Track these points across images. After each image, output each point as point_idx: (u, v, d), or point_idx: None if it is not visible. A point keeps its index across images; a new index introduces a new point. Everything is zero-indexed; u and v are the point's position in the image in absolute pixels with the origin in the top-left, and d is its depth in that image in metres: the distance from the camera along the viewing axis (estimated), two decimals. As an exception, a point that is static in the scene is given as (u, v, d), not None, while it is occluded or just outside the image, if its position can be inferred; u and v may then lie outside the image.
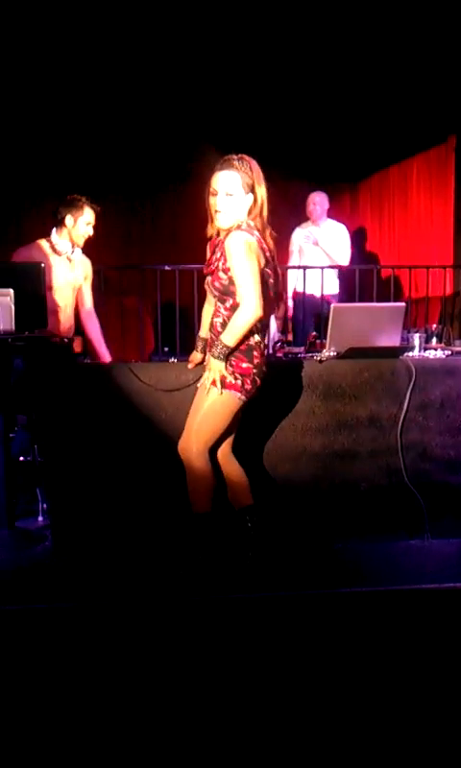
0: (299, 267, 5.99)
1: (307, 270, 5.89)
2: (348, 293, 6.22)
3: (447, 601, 3.22)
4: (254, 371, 3.20)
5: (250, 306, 3.07)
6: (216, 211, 3.14)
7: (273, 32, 5.57)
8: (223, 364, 3.13)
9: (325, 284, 5.89)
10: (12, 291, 3.73)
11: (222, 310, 3.20)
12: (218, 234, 3.21)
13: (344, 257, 6.17)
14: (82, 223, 4.34)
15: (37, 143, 7.25)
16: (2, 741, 2.26)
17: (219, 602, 3.15)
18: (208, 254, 3.25)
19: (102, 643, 2.86)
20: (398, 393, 3.88)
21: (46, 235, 4.39)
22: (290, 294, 6.15)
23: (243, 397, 3.20)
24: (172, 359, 4.18)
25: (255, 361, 3.20)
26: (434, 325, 4.88)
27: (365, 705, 2.43)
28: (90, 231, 4.37)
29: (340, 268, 6.09)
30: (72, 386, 3.77)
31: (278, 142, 7.20)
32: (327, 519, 3.87)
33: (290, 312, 6.16)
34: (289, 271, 6.02)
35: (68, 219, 4.32)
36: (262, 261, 3.13)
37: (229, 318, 3.16)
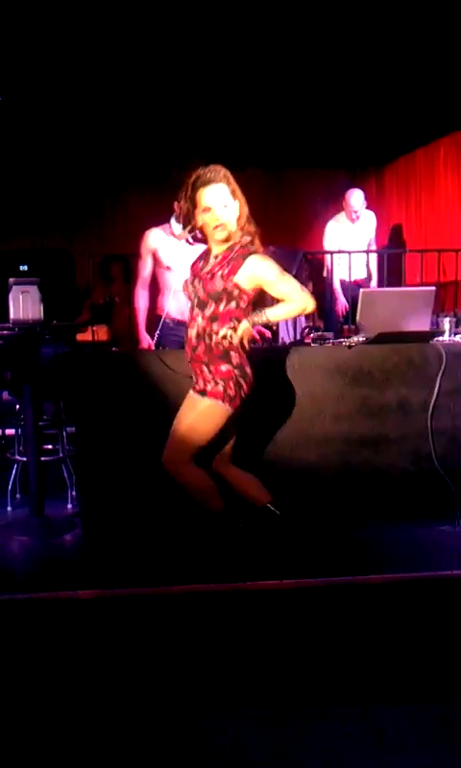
0: (327, 252, 5.96)
1: (337, 256, 5.86)
2: (378, 277, 6.18)
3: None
4: (236, 371, 3.11)
5: (305, 300, 3.10)
6: (216, 227, 3.09)
7: (296, 13, 5.51)
8: (248, 325, 3.10)
9: (355, 270, 5.86)
10: (38, 280, 3.74)
11: (199, 319, 3.13)
12: (208, 245, 3.21)
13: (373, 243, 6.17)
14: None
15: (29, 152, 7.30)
16: (28, 725, 2.28)
17: (248, 590, 3.14)
18: (201, 263, 3.21)
19: (127, 632, 2.87)
20: (428, 378, 3.84)
21: None
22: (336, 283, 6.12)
23: (227, 406, 3.10)
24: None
25: (234, 362, 3.11)
26: (464, 309, 4.83)
27: (397, 690, 2.42)
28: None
29: (368, 252, 6.05)
30: (100, 374, 3.78)
31: (303, 129, 7.15)
32: (357, 505, 3.85)
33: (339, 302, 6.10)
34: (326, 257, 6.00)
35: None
36: None
37: (204, 329, 3.11)
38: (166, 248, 4.49)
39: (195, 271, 3.22)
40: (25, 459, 4.08)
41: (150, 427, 3.74)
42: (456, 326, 4.22)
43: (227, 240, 3.12)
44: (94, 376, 3.79)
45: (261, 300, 3.23)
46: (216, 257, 3.15)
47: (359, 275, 6.06)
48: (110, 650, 2.71)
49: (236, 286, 3.08)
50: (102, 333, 6.08)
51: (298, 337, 4.46)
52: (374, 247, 6.22)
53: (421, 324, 3.93)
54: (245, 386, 3.13)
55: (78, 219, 8.07)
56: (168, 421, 3.70)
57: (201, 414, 3.12)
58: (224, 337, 3.09)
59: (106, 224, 8.12)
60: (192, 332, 3.17)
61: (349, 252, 5.84)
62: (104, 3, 4.91)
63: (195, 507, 3.30)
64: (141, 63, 5.96)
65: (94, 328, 5.78)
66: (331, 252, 5.90)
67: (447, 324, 4.11)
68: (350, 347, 3.82)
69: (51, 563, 3.55)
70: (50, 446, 4.39)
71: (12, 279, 3.77)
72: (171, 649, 2.70)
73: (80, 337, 5.83)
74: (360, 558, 3.47)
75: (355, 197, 6.10)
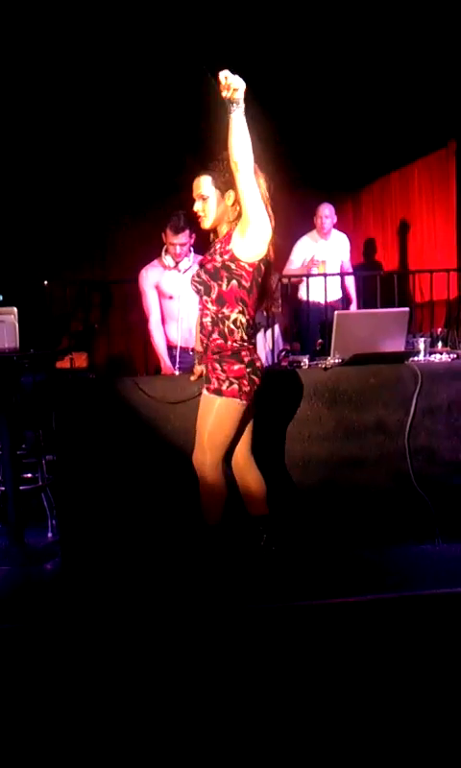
0: (304, 275, 5.99)
1: (311, 278, 5.89)
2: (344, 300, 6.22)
3: (459, 605, 3.19)
4: (248, 369, 3.16)
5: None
6: (199, 217, 3.23)
7: (271, 37, 5.61)
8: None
9: (329, 291, 5.89)
10: (15, 309, 3.75)
11: (209, 304, 3.19)
12: (216, 234, 3.28)
13: (347, 265, 6.21)
14: (171, 244, 4.58)
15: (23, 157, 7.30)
16: (7, 757, 2.26)
17: (233, 613, 3.13)
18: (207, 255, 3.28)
19: (111, 659, 2.85)
20: (404, 398, 3.87)
21: None
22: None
23: (243, 401, 3.18)
24: (175, 372, 4.19)
25: (246, 360, 3.17)
26: (439, 329, 4.87)
27: (384, 711, 2.41)
28: (178, 251, 4.58)
29: (342, 275, 6.09)
30: (79, 401, 3.78)
31: (279, 153, 7.22)
32: (337, 527, 3.85)
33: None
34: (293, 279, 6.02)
35: (165, 238, 4.61)
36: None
37: (216, 313, 3.17)
38: (166, 279, 4.67)
39: (201, 262, 3.28)
40: (3, 488, 4.07)
41: (130, 455, 3.75)
42: (431, 347, 4.26)
43: (220, 228, 3.22)
44: (73, 404, 3.79)
45: (267, 290, 3.28)
46: (213, 242, 3.25)
47: (333, 296, 6.06)
48: (92, 679, 2.69)
49: (232, 257, 3.11)
50: (81, 360, 6.09)
51: (275, 361, 4.49)
52: (347, 268, 6.23)
53: (396, 344, 3.97)
54: (257, 380, 3.20)
55: (56, 247, 8.08)
56: (148, 448, 3.74)
57: (220, 414, 3.17)
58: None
59: (84, 251, 8.14)
60: (207, 320, 3.21)
61: (324, 275, 5.88)
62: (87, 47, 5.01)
63: (179, 528, 3.30)
64: (107, 102, 6.06)
65: (72, 356, 5.79)
66: (306, 276, 5.93)
67: (422, 344, 4.14)
68: (326, 368, 3.85)
69: (31, 591, 3.53)
70: (29, 475, 4.38)
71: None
72: (158, 678, 2.69)
73: (59, 364, 5.83)
74: (340, 578, 3.47)
75: (323, 206, 6.14)
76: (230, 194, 3.14)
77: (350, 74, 6.17)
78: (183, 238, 4.52)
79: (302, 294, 6.09)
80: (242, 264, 3.12)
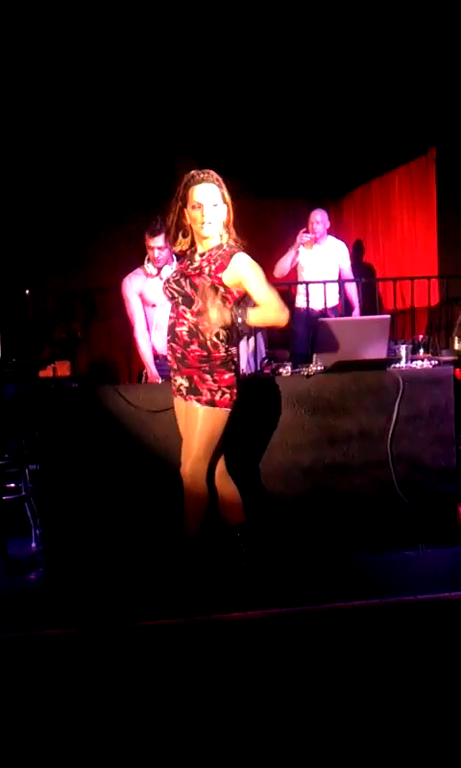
0: (299, 282, 6.00)
1: (303, 285, 5.90)
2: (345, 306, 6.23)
3: (443, 611, 3.20)
4: (236, 379, 3.26)
5: (281, 313, 3.19)
6: (203, 223, 3.20)
7: (252, 48, 5.64)
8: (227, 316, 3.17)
9: (320, 298, 5.90)
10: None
11: (188, 315, 3.20)
12: (193, 246, 3.28)
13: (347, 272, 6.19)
14: (150, 248, 4.59)
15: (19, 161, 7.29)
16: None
17: (214, 622, 3.13)
18: (188, 262, 3.28)
19: (95, 668, 2.84)
20: (386, 404, 3.89)
21: None
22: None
23: (230, 410, 3.23)
24: (159, 380, 4.19)
25: (233, 368, 3.25)
26: (421, 336, 4.89)
27: (364, 717, 2.41)
28: (156, 254, 4.58)
29: (325, 282, 6.11)
30: (61, 410, 3.77)
31: (261, 162, 7.26)
32: (321, 534, 3.86)
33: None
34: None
35: (144, 243, 4.62)
36: None
37: (195, 324, 3.18)
38: (149, 287, 4.66)
39: (181, 269, 3.29)
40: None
41: (113, 464, 3.75)
42: (413, 353, 4.28)
43: (213, 239, 3.22)
44: (56, 413, 3.79)
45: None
46: (202, 255, 3.24)
47: (329, 302, 6.05)
48: (78, 688, 2.68)
49: (222, 284, 3.16)
50: (64, 369, 6.08)
51: (258, 368, 4.49)
52: (347, 276, 6.21)
53: (378, 351, 3.99)
54: (237, 387, 3.28)
55: (38, 255, 8.07)
56: (131, 457, 3.73)
57: (213, 424, 3.21)
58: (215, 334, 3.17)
59: (66, 260, 8.13)
60: (182, 329, 3.21)
61: (306, 283, 5.89)
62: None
63: (161, 537, 3.29)
64: (89, 110, 6.07)
65: (55, 365, 5.78)
66: (292, 284, 5.94)
67: (403, 351, 4.16)
68: (308, 376, 3.86)
69: (14, 602, 3.51)
70: (13, 485, 4.36)
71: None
72: (140, 685, 2.68)
73: (42, 373, 5.82)
74: (325, 586, 3.48)
75: (314, 212, 6.14)
76: (225, 207, 3.21)
77: (331, 83, 6.20)
78: (160, 241, 4.51)
79: (297, 302, 6.09)
80: (230, 290, 3.19)
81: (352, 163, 7.76)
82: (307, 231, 5.95)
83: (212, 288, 3.14)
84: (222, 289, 3.17)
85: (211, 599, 3.26)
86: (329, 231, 6.14)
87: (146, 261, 4.65)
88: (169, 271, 4.59)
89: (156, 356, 4.69)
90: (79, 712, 2.53)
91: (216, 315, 3.14)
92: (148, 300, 4.68)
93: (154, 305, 4.68)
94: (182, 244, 3.29)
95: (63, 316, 6.59)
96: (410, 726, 2.36)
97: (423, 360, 4.18)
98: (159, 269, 4.61)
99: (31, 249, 7.85)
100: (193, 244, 3.29)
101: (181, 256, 3.39)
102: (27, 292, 4.15)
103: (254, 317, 3.20)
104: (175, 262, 4.61)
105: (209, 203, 3.19)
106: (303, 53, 5.74)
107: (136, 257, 4.66)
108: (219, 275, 3.16)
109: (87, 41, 5.46)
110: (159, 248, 4.53)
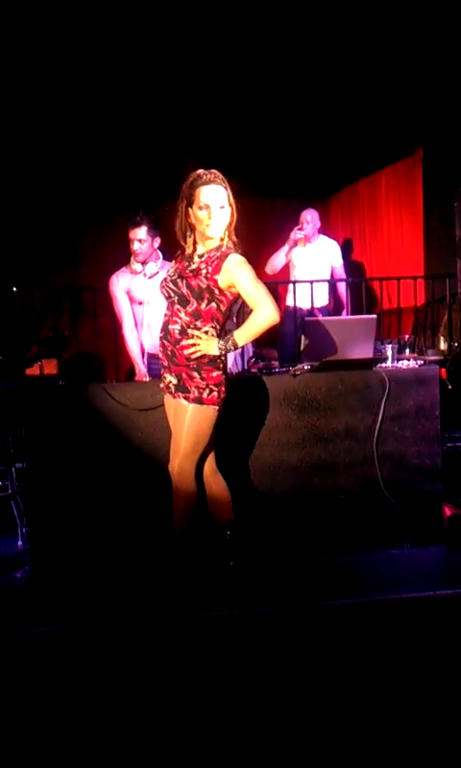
0: (286, 282, 6.02)
1: (297, 284, 5.91)
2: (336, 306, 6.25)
3: (428, 609, 3.23)
4: (224, 376, 3.27)
5: (270, 309, 3.17)
6: (209, 224, 3.21)
7: (240, 49, 5.65)
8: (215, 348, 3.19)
9: (316, 298, 5.92)
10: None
11: (182, 315, 3.22)
12: (195, 247, 3.28)
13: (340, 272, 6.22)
14: (131, 240, 4.56)
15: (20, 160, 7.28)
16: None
17: (201, 619, 3.14)
18: (185, 262, 3.29)
19: (82, 667, 2.84)
20: (372, 404, 3.91)
21: None
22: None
23: (219, 408, 3.25)
24: (146, 378, 4.19)
25: (221, 366, 3.27)
26: (407, 336, 4.91)
27: (355, 715, 2.43)
28: (135, 247, 4.55)
29: (313, 282, 6.13)
30: (48, 409, 3.77)
31: (248, 161, 7.27)
32: (307, 532, 3.88)
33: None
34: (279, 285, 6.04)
35: (128, 237, 4.59)
36: None
37: (188, 324, 3.20)
38: (136, 284, 4.66)
39: (179, 269, 3.29)
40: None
41: (100, 462, 3.75)
42: (399, 353, 4.30)
43: (215, 240, 3.24)
44: (43, 411, 3.78)
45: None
46: (201, 256, 3.25)
47: (318, 302, 6.06)
48: (64, 686, 2.68)
49: (217, 285, 3.18)
50: (51, 367, 6.07)
51: (245, 367, 4.50)
52: (340, 275, 6.22)
53: (364, 351, 4.00)
54: (226, 385, 3.29)
55: (25, 253, 8.05)
56: (118, 455, 3.74)
57: (201, 422, 3.23)
58: (197, 339, 3.19)
59: (54, 257, 8.12)
60: (175, 327, 3.23)
61: (294, 282, 5.91)
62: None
63: (149, 534, 3.30)
64: (79, 111, 6.06)
65: (42, 363, 5.76)
66: (280, 283, 5.96)
67: (389, 350, 4.19)
68: (295, 375, 3.87)
69: (0, 600, 3.50)
70: (-1, 483, 4.36)
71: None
72: (126, 683, 2.69)
73: (29, 371, 5.81)
74: (311, 584, 3.50)
75: (305, 212, 6.15)
76: (230, 211, 3.23)
77: (318, 83, 6.22)
78: (142, 234, 4.48)
79: (287, 301, 6.10)
80: (225, 293, 3.22)
81: (340, 163, 7.78)
82: (300, 229, 5.98)
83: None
84: (216, 291, 3.19)
85: (198, 597, 3.27)
86: (318, 231, 6.16)
87: (133, 259, 4.65)
88: (153, 268, 4.59)
89: (143, 354, 4.70)
90: (66, 711, 2.54)
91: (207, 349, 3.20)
92: (135, 297, 4.68)
93: (141, 303, 4.68)
94: (188, 245, 3.30)
95: (51, 314, 6.57)
96: (396, 722, 2.38)
97: (409, 360, 4.21)
98: (143, 263, 4.58)
99: (19, 246, 7.84)
100: (194, 244, 3.29)
101: (180, 255, 3.37)
102: (14, 289, 4.14)
103: (246, 335, 3.22)
104: (160, 259, 4.61)
105: (217, 204, 3.19)
106: (290, 54, 5.75)
107: (124, 256, 4.65)
108: (215, 277, 3.18)
109: (87, 41, 5.46)
110: (140, 240, 4.49)
